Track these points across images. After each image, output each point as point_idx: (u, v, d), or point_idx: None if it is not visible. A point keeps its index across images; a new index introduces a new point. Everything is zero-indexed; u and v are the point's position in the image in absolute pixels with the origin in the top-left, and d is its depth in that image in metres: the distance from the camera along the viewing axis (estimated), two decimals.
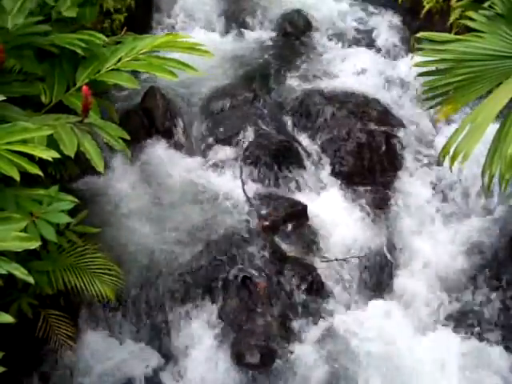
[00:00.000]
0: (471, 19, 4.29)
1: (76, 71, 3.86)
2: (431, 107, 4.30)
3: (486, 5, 4.52)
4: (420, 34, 4.34)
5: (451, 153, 3.79)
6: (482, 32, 4.17)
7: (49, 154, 3.04)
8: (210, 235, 4.72)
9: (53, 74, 3.90)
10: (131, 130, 5.03)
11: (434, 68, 4.19)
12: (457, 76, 4.02)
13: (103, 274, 3.91)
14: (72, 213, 3.56)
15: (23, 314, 3.73)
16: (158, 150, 5.32)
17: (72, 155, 3.30)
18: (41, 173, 3.03)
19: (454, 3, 5.86)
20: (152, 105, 5.47)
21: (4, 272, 2.84)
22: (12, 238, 2.90)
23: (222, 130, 5.48)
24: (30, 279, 2.89)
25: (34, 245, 2.94)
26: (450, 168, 3.87)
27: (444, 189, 5.25)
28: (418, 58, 4.29)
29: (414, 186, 5.28)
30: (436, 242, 4.99)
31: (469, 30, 4.37)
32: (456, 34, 5.29)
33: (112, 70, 3.74)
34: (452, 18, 5.74)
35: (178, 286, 4.39)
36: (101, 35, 3.77)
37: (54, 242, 3.52)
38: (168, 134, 5.43)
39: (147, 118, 5.45)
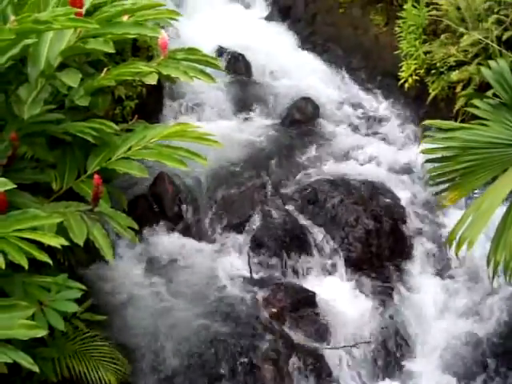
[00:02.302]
0: (476, 107, 4.36)
1: (87, 158, 3.90)
2: (438, 193, 4.33)
3: (489, 93, 4.61)
4: (426, 122, 4.41)
5: (457, 240, 3.80)
6: (487, 120, 4.23)
7: (58, 242, 3.06)
8: (216, 321, 4.69)
9: (64, 161, 3.94)
10: (140, 214, 5.14)
11: (440, 155, 4.24)
12: (462, 163, 4.07)
13: (108, 362, 3.89)
14: (80, 298, 3.56)
15: None
16: (167, 235, 5.34)
17: (81, 244, 3.33)
18: (49, 261, 3.04)
19: (459, 90, 5.97)
20: (161, 190, 5.52)
21: (9, 361, 2.83)
22: (18, 325, 2.90)
23: (230, 215, 5.51)
24: (36, 368, 2.87)
25: (41, 333, 2.93)
26: (456, 255, 3.88)
27: (452, 274, 5.25)
28: (424, 145, 4.34)
29: (422, 273, 5.29)
30: (445, 328, 4.97)
31: (474, 117, 4.44)
32: (462, 121, 5.38)
33: (122, 158, 3.79)
34: (457, 106, 5.82)
35: (184, 374, 4.34)
36: (112, 124, 3.83)
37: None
38: (176, 219, 5.46)
39: (156, 203, 5.49)
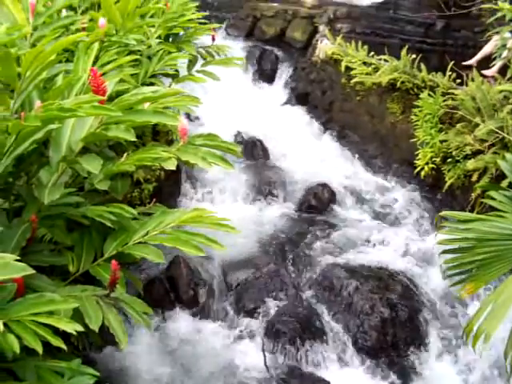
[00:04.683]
0: (492, 198, 4.38)
1: (104, 242, 3.92)
2: (455, 284, 4.30)
3: (504, 183, 4.64)
4: (443, 213, 4.42)
5: (474, 332, 3.76)
6: (503, 211, 4.24)
7: (73, 328, 3.04)
8: None
9: (81, 243, 3.95)
10: (155, 297, 5.14)
11: (457, 246, 4.23)
12: (479, 255, 4.06)
13: None
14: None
15: None
16: (181, 320, 5.31)
17: (96, 330, 3.31)
18: (64, 346, 3.03)
19: (475, 179, 6.00)
20: (176, 274, 5.52)
21: None
22: None
23: (244, 301, 5.48)
24: None
25: None
26: (473, 347, 3.82)
27: (469, 366, 5.16)
28: (441, 236, 4.34)
29: (438, 363, 5.20)
30: None
31: (492, 207, 4.45)
32: (480, 211, 5.38)
33: (139, 242, 3.80)
34: (474, 195, 5.85)
35: None
36: (131, 209, 3.85)
37: None
38: (191, 304, 5.43)
39: (171, 287, 5.48)
